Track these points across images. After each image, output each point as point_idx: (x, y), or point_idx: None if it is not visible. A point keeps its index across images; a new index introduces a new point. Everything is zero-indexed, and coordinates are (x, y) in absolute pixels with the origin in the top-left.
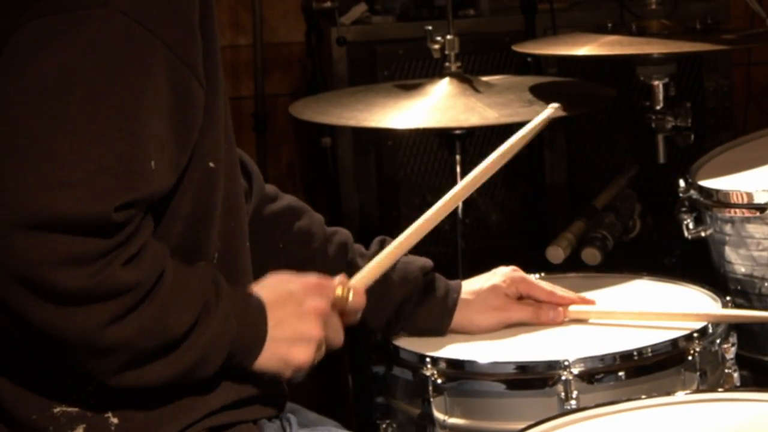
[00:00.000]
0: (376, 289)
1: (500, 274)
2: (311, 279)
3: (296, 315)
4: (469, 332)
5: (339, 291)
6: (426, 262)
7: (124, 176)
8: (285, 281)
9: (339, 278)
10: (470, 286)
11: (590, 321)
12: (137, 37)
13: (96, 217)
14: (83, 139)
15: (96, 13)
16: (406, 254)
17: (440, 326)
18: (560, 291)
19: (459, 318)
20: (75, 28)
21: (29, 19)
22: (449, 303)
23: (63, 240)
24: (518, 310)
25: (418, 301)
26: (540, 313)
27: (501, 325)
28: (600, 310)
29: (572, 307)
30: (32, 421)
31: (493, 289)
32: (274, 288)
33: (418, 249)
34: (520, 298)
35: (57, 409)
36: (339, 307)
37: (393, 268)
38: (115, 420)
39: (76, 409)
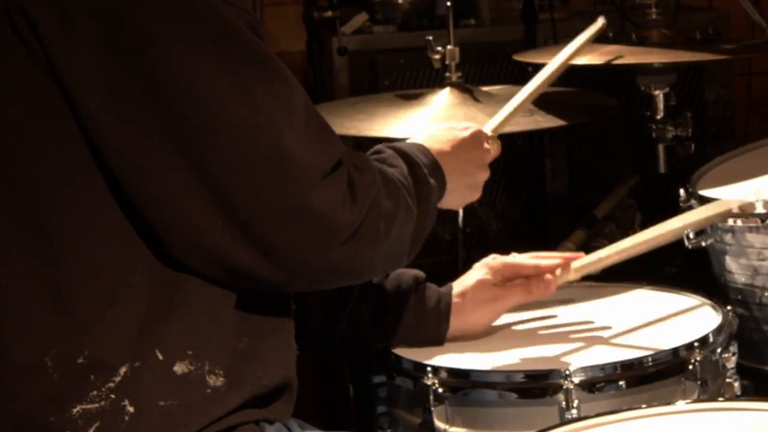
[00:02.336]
0: (371, 303)
1: (482, 266)
2: (472, 128)
3: (467, 163)
4: (470, 333)
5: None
6: (418, 273)
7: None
8: (452, 130)
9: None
10: (457, 288)
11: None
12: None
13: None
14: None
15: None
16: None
17: (438, 334)
18: (544, 260)
19: (455, 323)
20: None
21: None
22: (442, 310)
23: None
24: (509, 294)
25: (412, 312)
26: (531, 289)
27: (498, 316)
28: (589, 259)
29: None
30: (49, 424)
31: (480, 283)
32: (444, 138)
33: (419, 258)
34: (509, 280)
35: (76, 409)
36: None
37: (386, 278)
38: (131, 409)
39: (95, 406)
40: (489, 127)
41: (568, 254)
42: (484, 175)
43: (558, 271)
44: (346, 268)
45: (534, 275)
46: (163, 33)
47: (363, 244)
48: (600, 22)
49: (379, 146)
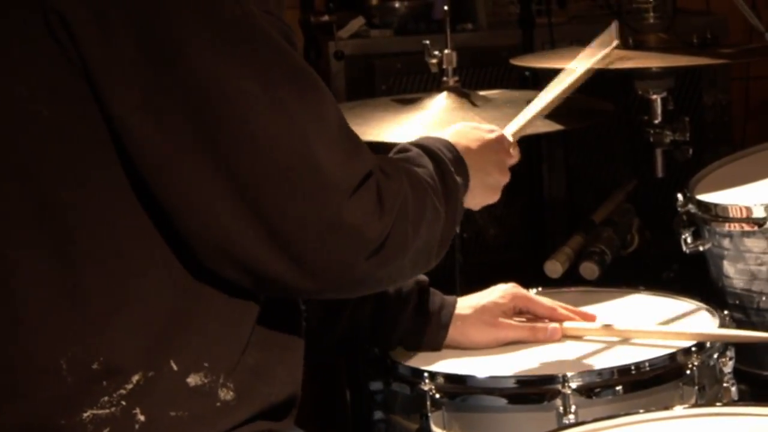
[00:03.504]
0: (371, 304)
1: (499, 291)
2: (498, 132)
3: (491, 165)
4: (465, 348)
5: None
6: (421, 277)
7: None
8: (479, 130)
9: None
10: (468, 301)
11: (586, 338)
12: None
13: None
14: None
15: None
16: None
17: (436, 341)
18: (560, 307)
19: (455, 333)
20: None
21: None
22: (443, 318)
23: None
24: (515, 328)
25: (413, 315)
26: (537, 332)
27: (496, 343)
28: (596, 328)
29: (571, 324)
30: (59, 427)
31: (491, 306)
32: (470, 136)
33: None
34: (520, 313)
35: (87, 413)
36: None
37: None
38: (142, 418)
39: (106, 412)
40: (509, 131)
41: (585, 312)
42: (505, 178)
43: (569, 324)
44: (377, 277)
45: (546, 318)
46: (199, 40)
47: (392, 252)
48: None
49: (404, 144)
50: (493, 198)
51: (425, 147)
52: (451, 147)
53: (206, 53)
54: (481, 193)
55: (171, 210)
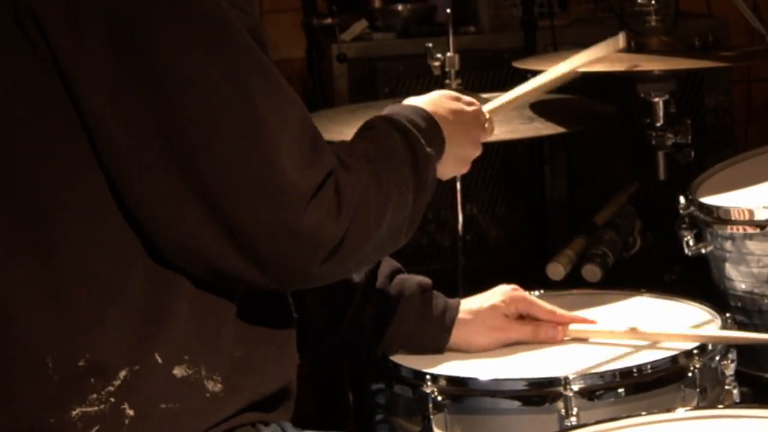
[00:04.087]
0: (373, 307)
1: (500, 293)
2: (475, 105)
3: (466, 138)
4: (467, 351)
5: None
6: (423, 279)
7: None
8: (458, 101)
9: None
10: (469, 305)
11: (589, 340)
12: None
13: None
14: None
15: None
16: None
17: (438, 343)
18: (561, 310)
19: (456, 337)
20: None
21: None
22: (447, 320)
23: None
24: (517, 330)
25: (415, 318)
26: (539, 333)
27: (499, 345)
28: (600, 330)
29: (572, 326)
30: (49, 426)
31: (492, 308)
32: (448, 107)
33: (417, 266)
34: (521, 316)
35: (76, 411)
36: None
37: (389, 283)
38: (131, 412)
39: (95, 409)
40: (487, 107)
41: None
42: (477, 152)
43: (570, 326)
44: (338, 271)
45: (547, 320)
46: (168, 35)
47: (351, 248)
48: (621, 40)
49: (373, 118)
50: (462, 170)
51: (394, 121)
52: (426, 115)
53: (173, 47)
54: (452, 165)
55: (135, 204)
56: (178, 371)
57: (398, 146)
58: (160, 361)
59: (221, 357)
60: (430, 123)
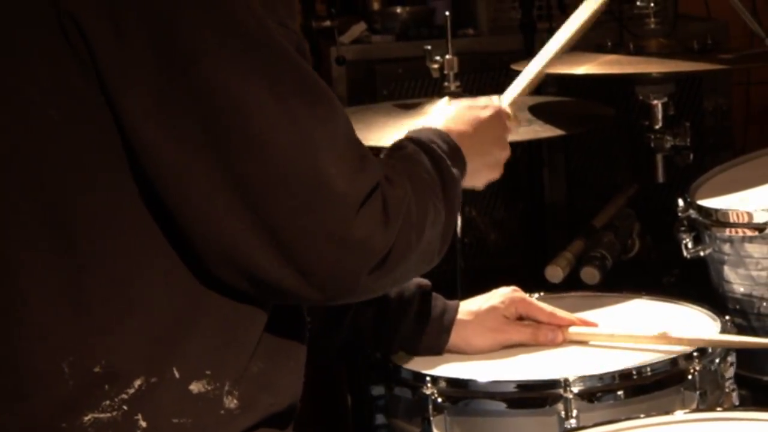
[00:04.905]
0: (373, 308)
1: (499, 295)
2: (493, 107)
3: (489, 144)
4: (466, 353)
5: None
6: (422, 281)
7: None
8: (473, 110)
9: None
10: (468, 306)
11: (589, 343)
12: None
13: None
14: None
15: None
16: None
17: (437, 345)
18: (560, 312)
19: (456, 339)
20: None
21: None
22: (446, 322)
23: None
24: (516, 332)
25: (414, 319)
26: (538, 335)
27: (498, 347)
28: (599, 333)
29: (572, 329)
30: (60, 429)
31: (492, 310)
32: (465, 119)
33: None
34: (521, 318)
35: (88, 417)
36: None
37: None
38: (144, 424)
39: (107, 416)
40: (505, 100)
41: (585, 320)
42: (506, 153)
43: (570, 329)
44: (381, 284)
45: (546, 323)
46: (213, 48)
47: (396, 261)
48: None
49: (399, 141)
50: (496, 175)
51: (420, 142)
52: (445, 137)
53: (219, 62)
54: (484, 173)
55: (178, 216)
56: (195, 387)
57: (429, 168)
58: (177, 375)
59: (243, 372)
60: (451, 145)
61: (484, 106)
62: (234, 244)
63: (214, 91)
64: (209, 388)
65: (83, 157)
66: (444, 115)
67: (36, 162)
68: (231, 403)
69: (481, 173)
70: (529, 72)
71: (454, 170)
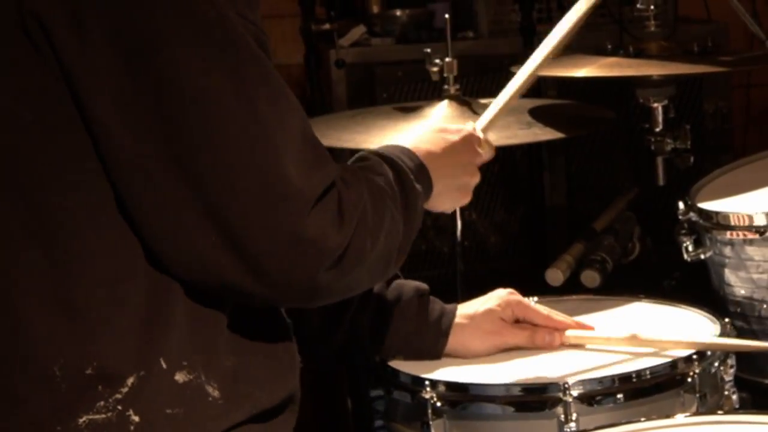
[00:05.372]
0: (371, 312)
1: (496, 298)
2: (464, 132)
3: (457, 167)
4: (464, 357)
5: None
6: (421, 285)
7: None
8: (443, 133)
9: (474, 129)
10: (465, 310)
11: (586, 346)
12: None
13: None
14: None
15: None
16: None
17: (435, 349)
18: (557, 315)
19: (453, 342)
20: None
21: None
22: (443, 325)
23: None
24: (513, 335)
25: (412, 323)
26: (535, 338)
27: (495, 350)
28: (596, 336)
29: (569, 332)
30: None
31: (488, 313)
32: (434, 141)
33: (416, 271)
34: (517, 321)
35: (83, 419)
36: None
37: (386, 288)
38: (136, 418)
39: (102, 417)
40: (479, 125)
41: (581, 323)
42: (475, 179)
43: (567, 332)
44: (335, 288)
45: (543, 326)
46: (174, 44)
47: (350, 263)
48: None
49: (363, 152)
50: (464, 200)
51: (384, 155)
52: (411, 154)
53: (180, 55)
54: (450, 197)
55: (137, 211)
56: (179, 377)
57: (390, 179)
58: (164, 366)
59: (217, 365)
60: (416, 162)
61: (455, 130)
62: (189, 241)
63: (172, 83)
64: (190, 377)
65: (58, 158)
66: (413, 136)
67: (13, 165)
68: (214, 392)
69: (448, 196)
70: (504, 96)
71: (417, 186)
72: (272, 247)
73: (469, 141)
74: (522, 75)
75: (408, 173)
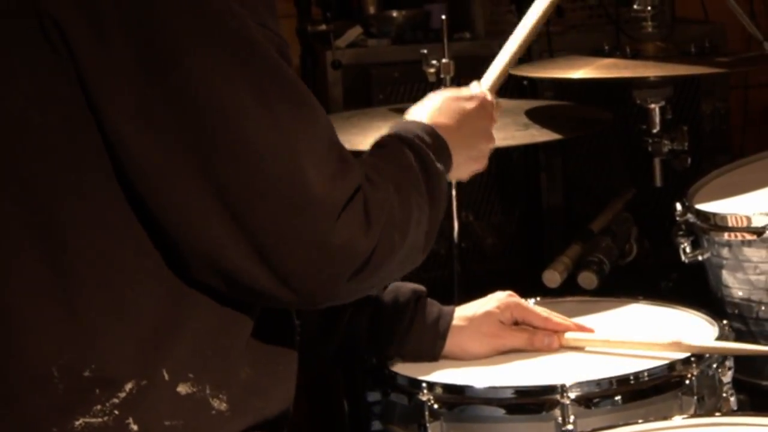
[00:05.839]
0: (368, 314)
1: (495, 300)
2: (478, 97)
3: (474, 136)
4: (462, 359)
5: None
6: (418, 287)
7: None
8: (459, 101)
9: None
10: (464, 312)
11: (585, 349)
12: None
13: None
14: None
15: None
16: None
17: (433, 351)
18: (556, 317)
19: (451, 344)
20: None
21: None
22: (441, 328)
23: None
24: (512, 337)
25: (409, 325)
26: (534, 340)
27: (494, 352)
28: (595, 338)
29: (568, 335)
30: None
31: (487, 315)
32: (451, 112)
33: (413, 273)
34: (516, 323)
35: (79, 422)
36: None
37: (384, 290)
38: (135, 427)
39: (99, 420)
40: (485, 86)
41: (580, 325)
42: (491, 144)
43: (566, 334)
44: (364, 287)
45: (541, 328)
46: (195, 50)
47: (379, 263)
48: None
49: (383, 136)
50: (481, 166)
51: (404, 137)
52: (430, 131)
53: (201, 64)
54: (467, 166)
55: (160, 219)
56: (182, 389)
57: (412, 164)
58: (166, 377)
59: (229, 376)
60: (436, 139)
61: (469, 97)
62: (215, 249)
63: (195, 92)
64: (194, 390)
65: (67, 161)
66: (429, 107)
67: (20, 166)
68: (221, 405)
69: (466, 166)
70: (506, 53)
71: (439, 165)
72: (299, 255)
73: (484, 106)
74: (523, 28)
75: (429, 153)
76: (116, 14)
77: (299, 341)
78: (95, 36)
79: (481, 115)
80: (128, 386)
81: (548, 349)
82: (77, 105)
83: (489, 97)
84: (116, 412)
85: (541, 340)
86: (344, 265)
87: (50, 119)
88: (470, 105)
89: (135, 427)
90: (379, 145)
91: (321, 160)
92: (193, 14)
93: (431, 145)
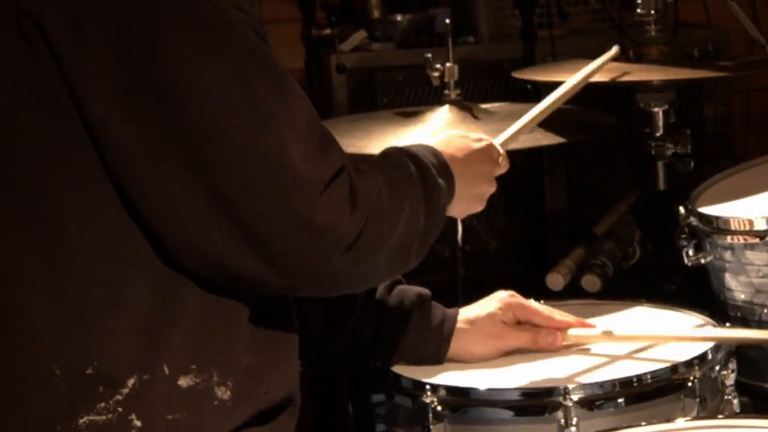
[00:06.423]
0: (373, 317)
1: (497, 301)
2: (485, 141)
3: (476, 175)
4: (467, 361)
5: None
6: (422, 290)
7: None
8: (466, 139)
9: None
10: (467, 314)
11: (589, 346)
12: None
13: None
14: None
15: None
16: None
17: (438, 354)
18: (559, 315)
19: (456, 347)
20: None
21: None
22: (445, 331)
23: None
24: (515, 337)
25: (414, 329)
26: (538, 339)
27: (499, 353)
28: (599, 334)
29: (571, 331)
30: None
31: (490, 317)
32: (458, 146)
33: (418, 276)
34: (519, 322)
35: (83, 419)
36: None
37: (389, 294)
38: (138, 423)
39: (102, 418)
40: (498, 141)
41: (583, 321)
42: (491, 188)
43: (569, 331)
44: (350, 274)
45: (545, 326)
46: (173, 38)
47: (366, 249)
48: (614, 49)
49: (388, 148)
50: (478, 208)
51: (407, 150)
52: (436, 152)
53: (180, 51)
54: (465, 202)
55: (146, 209)
56: (183, 381)
57: (410, 169)
58: (167, 371)
59: (233, 363)
60: (439, 159)
61: (477, 138)
62: (200, 233)
63: (174, 77)
64: (197, 381)
65: (58, 158)
66: (437, 139)
67: (12, 166)
68: (224, 394)
69: (464, 201)
70: (527, 116)
71: (440, 180)
72: (283, 234)
73: (489, 150)
74: (547, 101)
75: (430, 168)
76: (94, 8)
77: (307, 340)
78: (73, 30)
79: (486, 157)
80: (130, 382)
81: (552, 348)
82: (61, 101)
83: (497, 145)
84: (120, 409)
85: (544, 339)
86: (328, 245)
87: (37, 118)
88: (477, 145)
89: (138, 423)
90: (381, 154)
91: (303, 139)
92: (167, 1)
93: (434, 164)
